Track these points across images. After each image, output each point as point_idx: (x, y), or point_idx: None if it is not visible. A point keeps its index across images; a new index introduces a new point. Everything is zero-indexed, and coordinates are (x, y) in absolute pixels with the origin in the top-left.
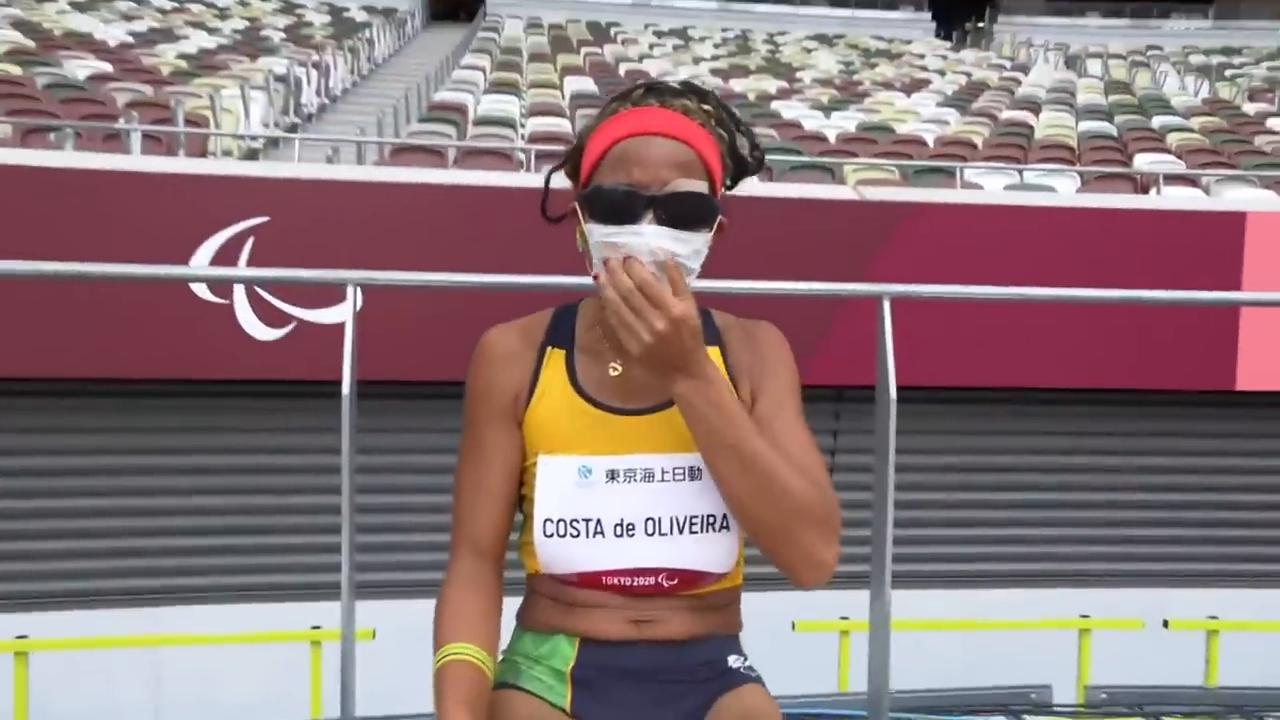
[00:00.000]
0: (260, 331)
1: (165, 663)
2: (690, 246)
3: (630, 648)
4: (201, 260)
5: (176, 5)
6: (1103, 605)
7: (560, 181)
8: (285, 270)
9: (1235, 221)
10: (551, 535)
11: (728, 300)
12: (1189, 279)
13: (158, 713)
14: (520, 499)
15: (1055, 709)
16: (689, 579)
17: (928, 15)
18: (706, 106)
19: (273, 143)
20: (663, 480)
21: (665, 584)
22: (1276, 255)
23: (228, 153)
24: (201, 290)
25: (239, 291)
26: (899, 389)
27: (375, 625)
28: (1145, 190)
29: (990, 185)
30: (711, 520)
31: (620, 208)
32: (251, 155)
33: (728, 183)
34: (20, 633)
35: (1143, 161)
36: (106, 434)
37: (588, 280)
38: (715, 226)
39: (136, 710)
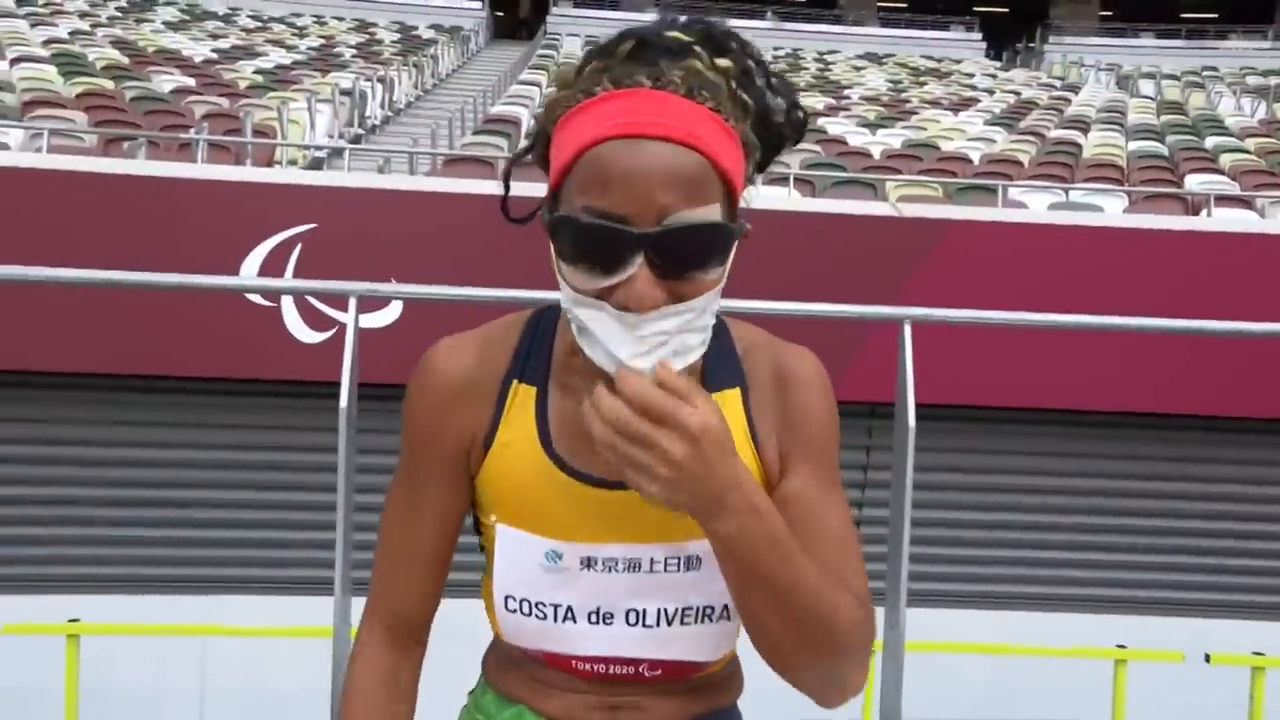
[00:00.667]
0: (305, 335)
1: (211, 648)
2: (692, 310)
3: None
4: (252, 265)
5: (260, 24)
6: (1141, 635)
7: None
8: (291, 281)
9: None
10: (514, 611)
11: (745, 320)
12: (1242, 304)
13: (202, 697)
14: (478, 545)
15: None
16: (675, 668)
17: (978, 35)
18: (723, 62)
19: (337, 153)
20: (652, 571)
21: (647, 674)
22: None
23: (293, 162)
24: (254, 297)
25: (286, 296)
26: (932, 407)
27: None
28: (1196, 211)
29: (1034, 204)
30: (709, 611)
31: (595, 253)
32: (315, 165)
33: (753, 171)
34: (72, 615)
35: (1194, 182)
36: (159, 428)
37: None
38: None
39: (182, 693)
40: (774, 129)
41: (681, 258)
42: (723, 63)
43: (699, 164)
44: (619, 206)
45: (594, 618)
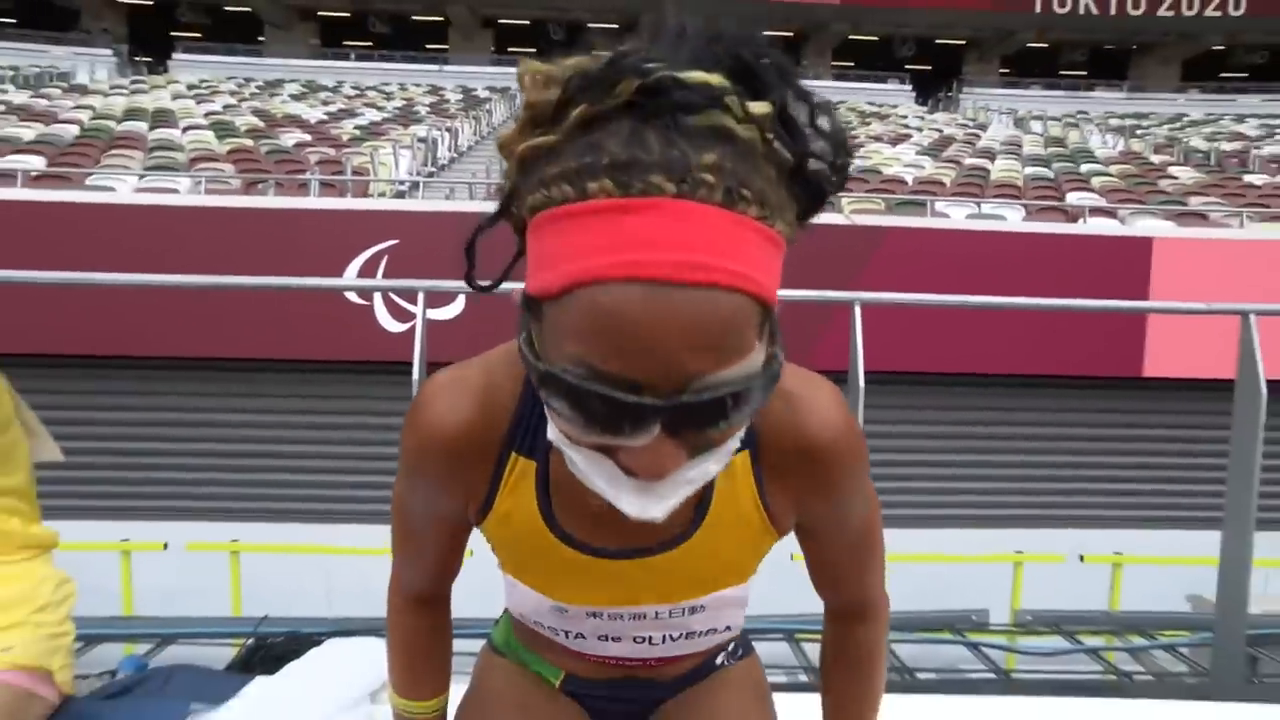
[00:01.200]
0: (392, 325)
1: (334, 563)
2: (727, 449)
3: (622, 684)
4: (352, 271)
5: (358, 92)
6: (1033, 543)
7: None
8: (377, 280)
9: (1144, 245)
10: (525, 620)
11: None
12: (1109, 290)
13: (329, 595)
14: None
15: (991, 628)
16: (678, 660)
17: (909, 87)
18: (760, 108)
19: (414, 186)
20: (657, 618)
21: (655, 663)
22: (1176, 272)
23: (382, 194)
24: (351, 295)
25: (378, 295)
26: (883, 373)
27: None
28: (1075, 220)
29: (955, 215)
30: (713, 630)
31: (598, 416)
32: (399, 196)
33: (793, 227)
34: (234, 537)
35: (1073, 198)
36: (291, 399)
37: None
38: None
39: (314, 593)
40: (812, 186)
41: (710, 422)
42: (759, 109)
43: (740, 308)
44: (632, 373)
45: (603, 638)
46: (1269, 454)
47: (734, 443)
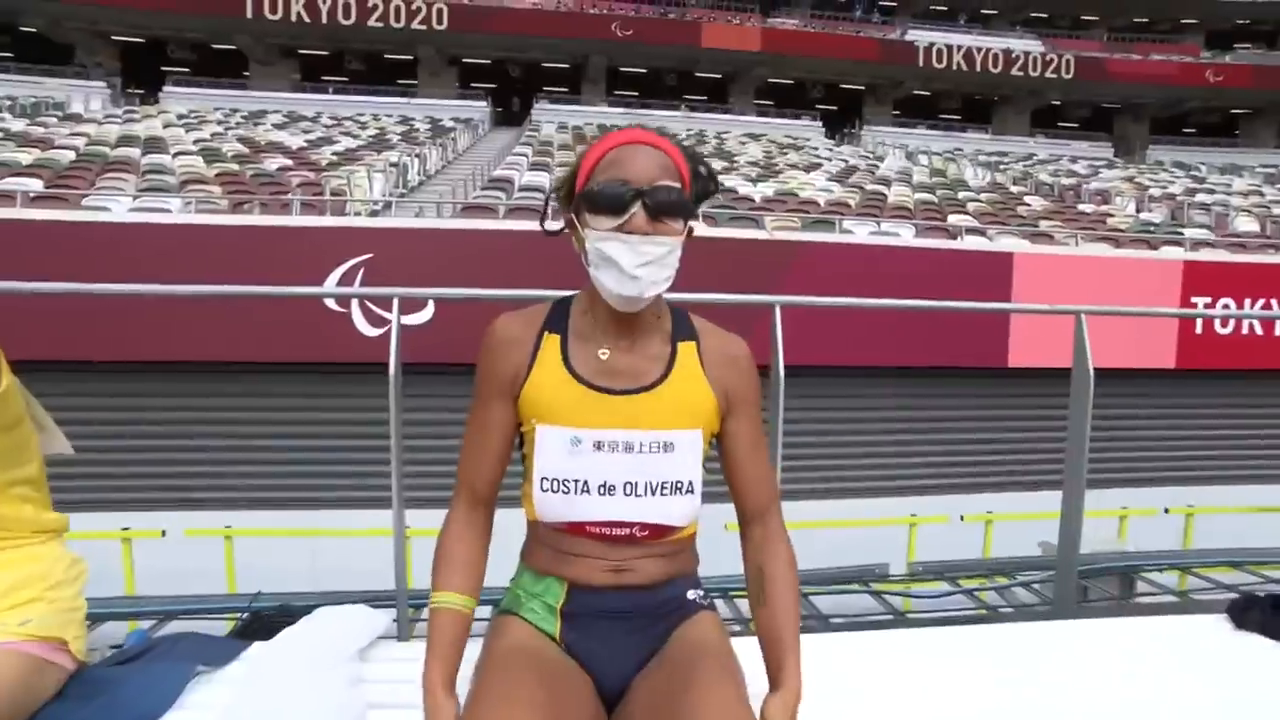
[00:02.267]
0: (368, 330)
1: (318, 544)
2: (667, 245)
3: (610, 593)
4: (331, 282)
5: (335, 122)
6: (922, 508)
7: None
8: (353, 288)
9: (1007, 259)
10: (547, 490)
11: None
12: (978, 293)
13: (314, 573)
14: (521, 457)
15: (891, 578)
16: (657, 531)
17: (820, 123)
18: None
19: (387, 205)
20: (640, 452)
21: (638, 534)
22: (1033, 280)
23: (358, 213)
24: (330, 303)
25: (355, 303)
26: (800, 366)
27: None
28: (955, 237)
29: (859, 231)
30: (679, 485)
31: (613, 200)
32: (374, 214)
33: (696, 195)
34: (227, 524)
35: (953, 219)
36: (278, 397)
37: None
38: (687, 231)
39: (300, 572)
40: (704, 181)
41: (662, 203)
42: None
43: (670, 162)
44: (627, 175)
45: (602, 489)
46: (1096, 427)
47: (674, 262)
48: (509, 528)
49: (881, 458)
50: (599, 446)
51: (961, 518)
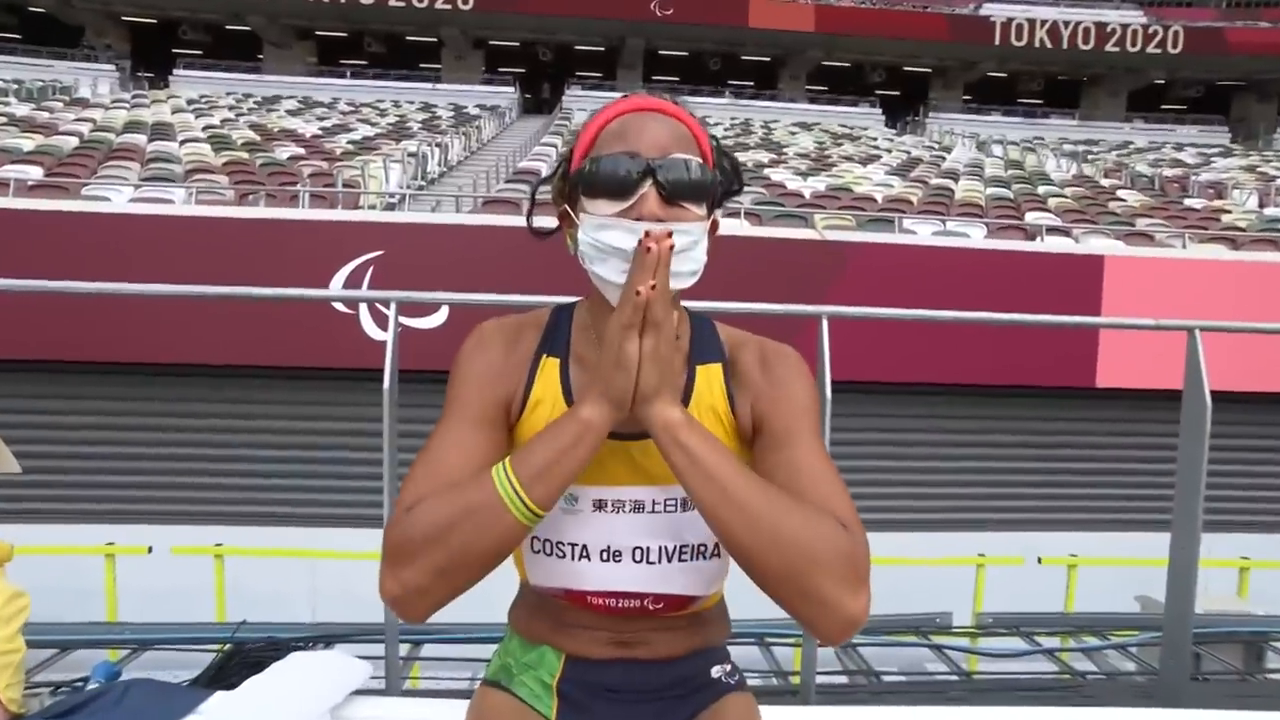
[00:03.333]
0: (376, 334)
1: (319, 565)
2: (690, 233)
3: (614, 666)
4: (339, 281)
5: (353, 109)
6: (993, 546)
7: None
8: (349, 291)
9: (1097, 263)
10: (538, 551)
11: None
12: (1064, 304)
13: (313, 597)
14: None
15: (954, 630)
16: (674, 602)
17: (879, 111)
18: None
19: (401, 199)
20: (653, 511)
21: (651, 607)
22: (1126, 288)
23: (373, 206)
24: (338, 304)
25: (363, 305)
26: (850, 383)
27: None
28: (1033, 237)
29: (921, 231)
30: (702, 549)
31: (616, 178)
32: (390, 208)
33: (720, 198)
34: (218, 541)
35: (1031, 217)
36: (278, 405)
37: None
38: (711, 224)
39: (299, 596)
40: (726, 173)
41: (678, 182)
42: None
43: (688, 133)
44: (633, 146)
45: (605, 555)
46: (1213, 460)
47: (699, 254)
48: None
49: (944, 486)
50: (600, 506)
51: (1039, 560)
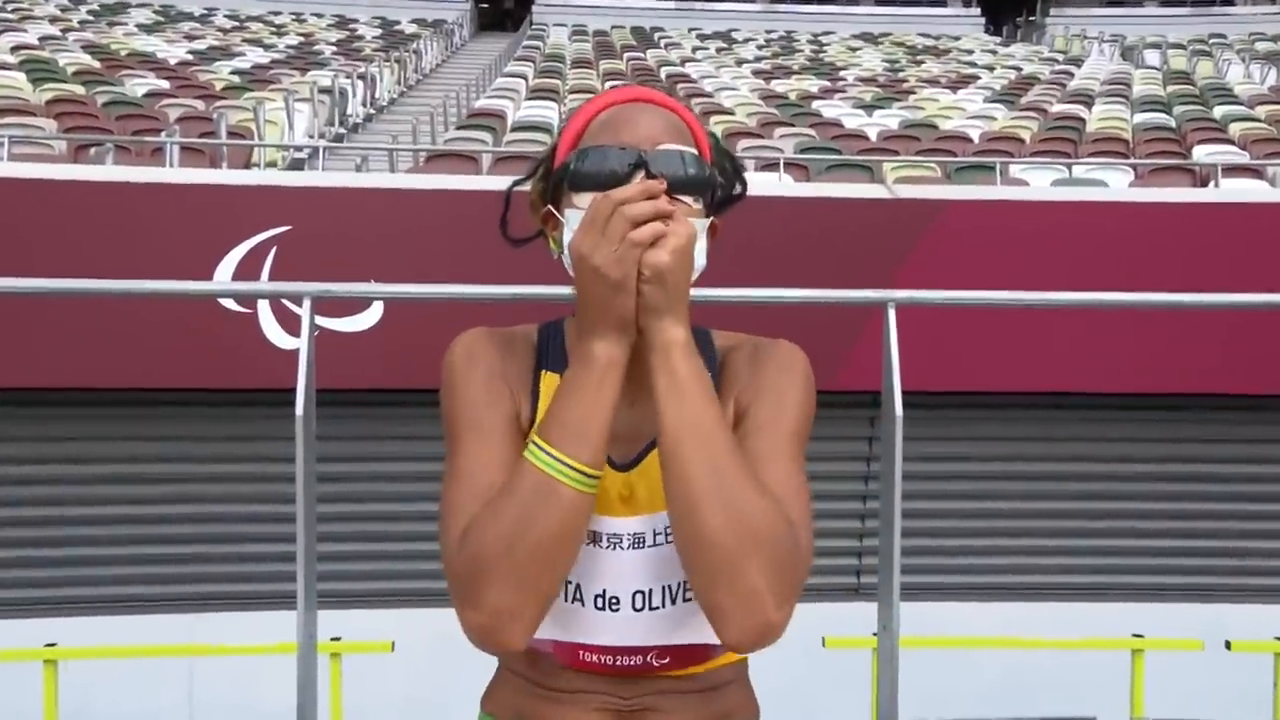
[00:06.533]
0: (283, 340)
1: (199, 667)
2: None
3: None
4: (226, 270)
5: (236, 24)
6: (1157, 622)
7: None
8: (242, 284)
9: None
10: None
11: (724, 311)
12: (1253, 276)
13: (190, 710)
14: None
15: None
16: (683, 655)
17: (976, 10)
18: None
19: (314, 153)
20: (655, 545)
21: (655, 663)
22: None
23: (272, 164)
24: (228, 301)
25: (263, 301)
26: (930, 394)
27: (394, 636)
28: (1205, 183)
29: (1037, 181)
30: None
31: (604, 172)
32: (297, 166)
33: (720, 202)
34: (49, 640)
35: (1202, 153)
36: (131, 442)
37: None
38: (711, 226)
39: (171, 715)
40: (725, 172)
41: (673, 175)
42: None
43: (683, 125)
44: (624, 139)
45: (600, 603)
46: None
47: (702, 236)
48: (456, 638)
49: (1081, 538)
50: (595, 540)
51: (1227, 645)
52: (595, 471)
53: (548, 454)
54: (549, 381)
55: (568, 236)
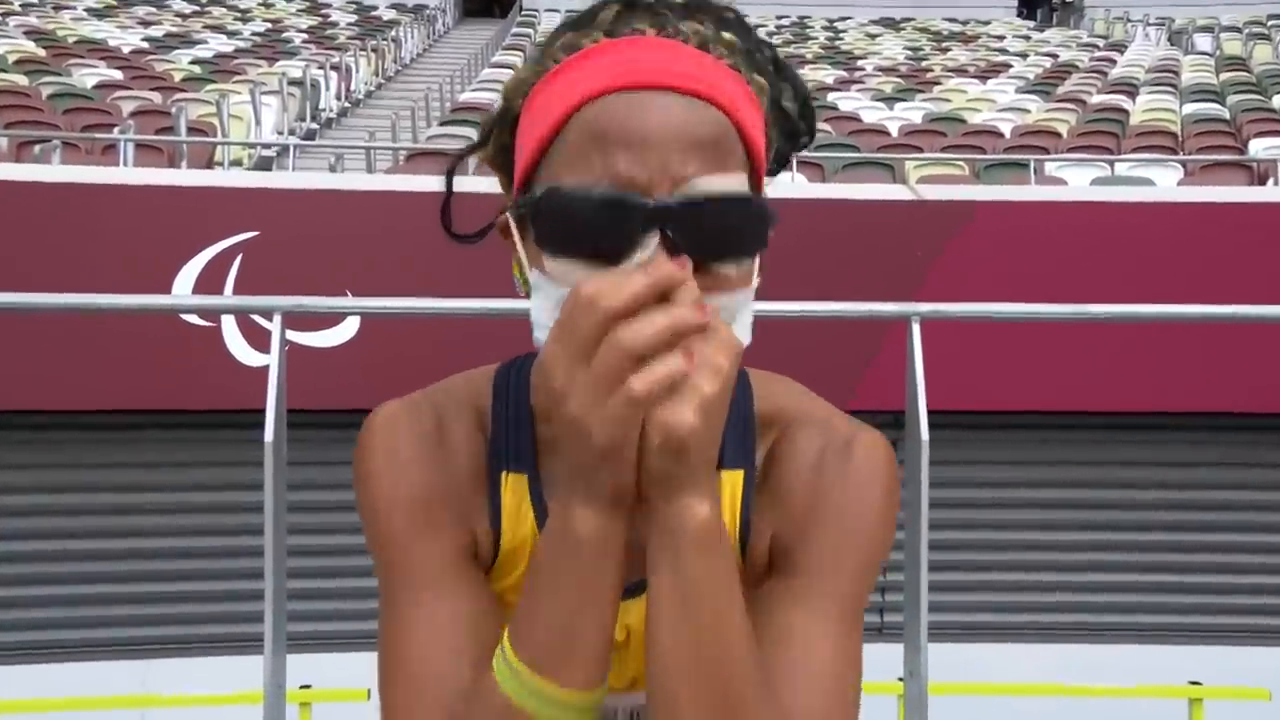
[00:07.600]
0: (250, 357)
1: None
2: (726, 305)
3: None
4: (187, 279)
5: (197, 9)
6: (1219, 668)
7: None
8: (206, 298)
9: None
10: None
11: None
12: None
13: None
14: None
15: None
16: None
17: None
18: (729, 35)
19: (283, 151)
20: None
21: None
22: None
23: (236, 163)
24: (191, 316)
25: (228, 316)
26: (957, 413)
27: (369, 683)
28: (1263, 180)
29: (1075, 180)
30: None
31: (600, 230)
32: (264, 165)
33: (772, 165)
34: None
35: (1259, 147)
36: (76, 470)
37: None
38: (758, 267)
39: None
40: (787, 122)
41: (708, 240)
42: (727, 36)
43: (720, 123)
44: (625, 173)
45: None
46: None
47: (744, 334)
48: None
49: (1128, 573)
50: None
51: None
52: (592, 696)
53: (520, 680)
54: (512, 486)
55: (534, 311)
